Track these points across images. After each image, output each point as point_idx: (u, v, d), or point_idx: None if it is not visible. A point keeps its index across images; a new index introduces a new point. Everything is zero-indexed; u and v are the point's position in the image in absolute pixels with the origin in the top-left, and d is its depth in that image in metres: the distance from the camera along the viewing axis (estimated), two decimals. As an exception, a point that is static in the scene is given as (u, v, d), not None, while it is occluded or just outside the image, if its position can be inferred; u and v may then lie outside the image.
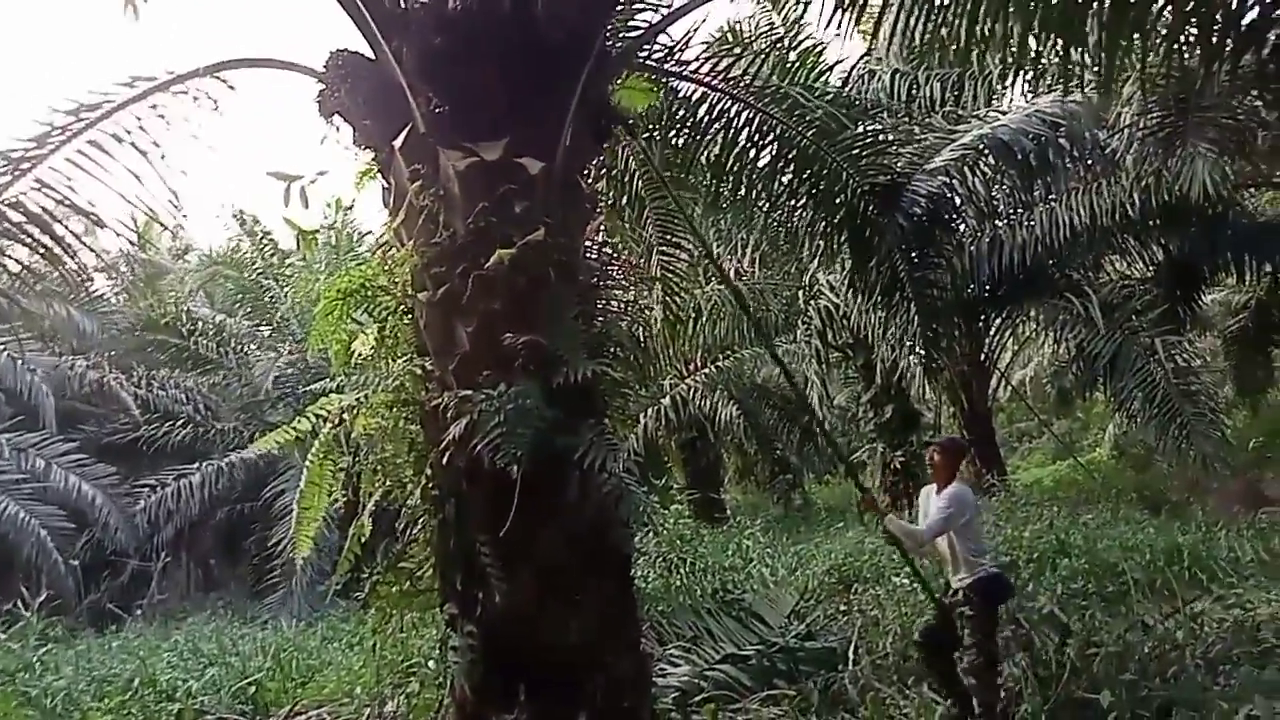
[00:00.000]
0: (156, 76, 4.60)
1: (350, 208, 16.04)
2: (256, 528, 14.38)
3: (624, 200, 7.25)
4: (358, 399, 4.65)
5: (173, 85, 4.58)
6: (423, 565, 4.09)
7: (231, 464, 14.72)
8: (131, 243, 4.27)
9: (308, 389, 13.90)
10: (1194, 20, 3.91)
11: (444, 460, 3.81)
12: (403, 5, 4.43)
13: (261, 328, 16.60)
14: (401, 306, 4.32)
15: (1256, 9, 3.86)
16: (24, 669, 7.42)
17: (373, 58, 4.48)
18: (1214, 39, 3.91)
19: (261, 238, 16.15)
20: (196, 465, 14.55)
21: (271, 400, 16.16)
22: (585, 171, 4.93)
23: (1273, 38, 4.08)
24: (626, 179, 7.16)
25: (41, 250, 4.57)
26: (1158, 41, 4.14)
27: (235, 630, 10.40)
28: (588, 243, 5.00)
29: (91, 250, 4.73)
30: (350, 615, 10.99)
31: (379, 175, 4.77)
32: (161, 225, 4.70)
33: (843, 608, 7.08)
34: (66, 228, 4.63)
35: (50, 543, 12.52)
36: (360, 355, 4.37)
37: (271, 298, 15.78)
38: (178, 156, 4.69)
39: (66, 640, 9.43)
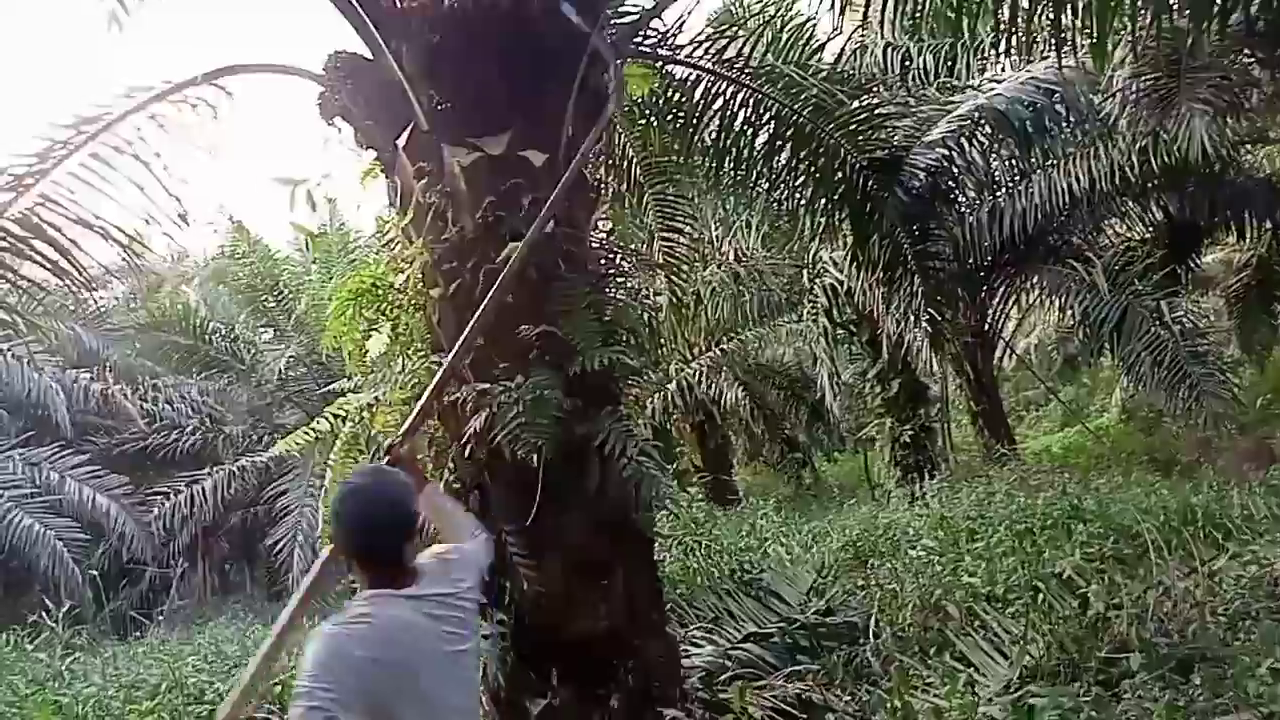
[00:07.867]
0: (154, 87, 4.63)
1: (359, 207, 16.14)
2: (269, 530, 14.51)
3: (623, 187, 7.26)
4: (375, 397, 4.68)
5: (170, 95, 4.60)
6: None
7: (242, 468, 14.89)
8: (132, 251, 4.28)
9: (319, 391, 14.00)
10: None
11: (465, 453, 3.85)
12: (399, 5, 4.43)
13: (262, 330, 16.66)
14: (413, 304, 4.35)
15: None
16: (54, 678, 7.49)
17: (371, 58, 4.48)
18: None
19: (254, 241, 16.11)
20: (207, 470, 14.70)
21: (278, 402, 16.28)
22: (587, 161, 4.95)
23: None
24: (625, 165, 7.17)
25: (48, 265, 4.60)
26: (1148, 1, 4.11)
27: (257, 632, 10.47)
28: (594, 231, 5.02)
29: (97, 261, 4.78)
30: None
31: (383, 174, 4.80)
32: (165, 234, 4.72)
33: (860, 582, 7.10)
34: (72, 241, 4.66)
35: (67, 553, 12.64)
36: (375, 354, 4.40)
37: (279, 299, 15.83)
38: (179, 164, 4.72)
39: (91, 648, 9.50)
